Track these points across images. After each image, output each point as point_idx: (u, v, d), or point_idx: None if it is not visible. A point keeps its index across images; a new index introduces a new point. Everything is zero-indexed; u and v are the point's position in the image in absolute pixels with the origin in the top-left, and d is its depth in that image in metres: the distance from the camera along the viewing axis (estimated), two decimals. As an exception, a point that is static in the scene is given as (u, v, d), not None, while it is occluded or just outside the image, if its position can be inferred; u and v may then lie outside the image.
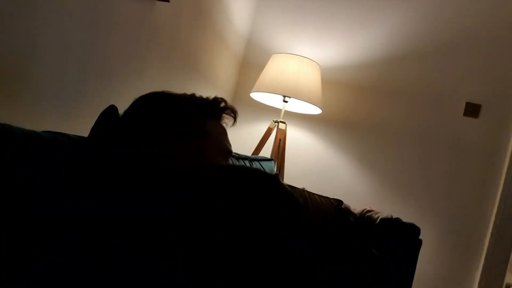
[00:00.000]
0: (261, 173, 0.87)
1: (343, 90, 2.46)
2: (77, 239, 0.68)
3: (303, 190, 1.74)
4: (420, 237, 1.57)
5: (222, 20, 2.18)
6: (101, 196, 0.75)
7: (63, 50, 1.16)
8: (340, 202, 1.76)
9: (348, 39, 2.46)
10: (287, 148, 2.30)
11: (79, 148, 0.82)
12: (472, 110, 2.25)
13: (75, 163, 0.79)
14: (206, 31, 2.03)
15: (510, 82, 2.23)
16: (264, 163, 1.87)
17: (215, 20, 2.10)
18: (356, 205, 1.81)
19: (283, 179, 2.18)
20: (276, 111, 2.36)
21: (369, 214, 1.74)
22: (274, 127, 2.24)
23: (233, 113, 1.01)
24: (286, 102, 2.21)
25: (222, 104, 0.99)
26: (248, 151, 2.24)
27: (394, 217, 1.67)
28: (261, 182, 0.80)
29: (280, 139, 2.20)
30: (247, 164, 1.74)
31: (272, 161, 1.98)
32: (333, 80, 2.46)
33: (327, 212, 1.63)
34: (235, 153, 1.70)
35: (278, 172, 1.70)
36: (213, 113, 0.97)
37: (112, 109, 0.89)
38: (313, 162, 2.46)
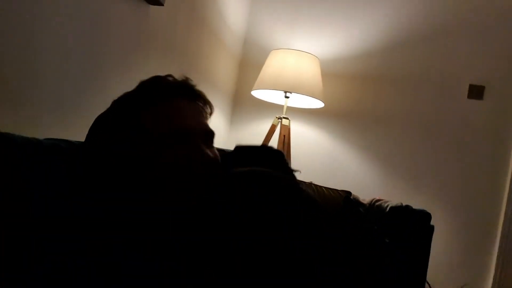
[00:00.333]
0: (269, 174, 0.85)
1: (344, 81, 2.45)
2: (77, 239, 0.68)
3: (310, 184, 1.74)
4: (433, 223, 1.57)
5: (217, 20, 2.18)
6: (101, 196, 0.75)
7: (56, 58, 1.16)
8: (349, 193, 1.75)
9: (346, 30, 2.45)
10: (292, 144, 2.30)
11: (80, 149, 0.82)
12: (476, 92, 2.23)
13: (76, 163, 0.79)
14: (202, 33, 2.03)
15: (513, 61, 2.22)
16: (270, 160, 1.87)
17: (210, 21, 2.10)
18: (365, 196, 1.80)
19: (290, 175, 2.17)
20: (279, 107, 2.35)
21: (378, 203, 1.73)
22: (278, 123, 2.24)
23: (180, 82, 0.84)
24: (288, 97, 2.20)
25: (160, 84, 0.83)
26: (252, 151, 2.24)
27: (404, 204, 1.66)
28: (265, 181, 0.80)
29: (284, 135, 2.19)
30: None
31: (278, 158, 1.98)
32: (333, 73, 2.45)
33: (336, 204, 1.62)
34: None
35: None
36: (152, 100, 0.80)
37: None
38: (319, 156, 2.45)
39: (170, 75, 0.85)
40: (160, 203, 0.74)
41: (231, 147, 2.27)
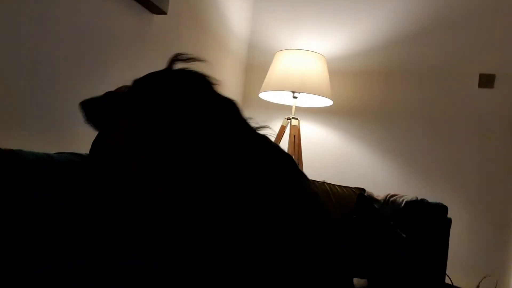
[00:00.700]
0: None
1: (352, 78, 2.43)
2: (77, 239, 0.69)
3: (323, 183, 1.73)
4: (451, 216, 1.54)
5: (221, 26, 2.18)
6: (101, 196, 0.75)
7: (60, 69, 1.18)
8: (363, 190, 1.74)
9: (351, 27, 2.43)
10: (303, 143, 2.29)
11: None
12: (487, 80, 2.18)
13: (78, 164, 0.80)
14: (206, 39, 2.04)
15: (523, 48, 2.16)
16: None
17: (214, 27, 2.11)
18: (379, 192, 1.78)
19: (301, 176, 2.16)
20: (287, 108, 2.35)
21: (393, 198, 1.72)
22: (287, 124, 2.23)
23: None
24: (296, 98, 2.20)
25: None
26: (263, 152, 2.25)
27: (419, 198, 1.64)
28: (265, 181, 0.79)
29: (294, 136, 2.19)
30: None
31: (289, 158, 1.98)
32: (340, 70, 2.43)
33: (350, 202, 1.61)
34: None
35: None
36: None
37: None
38: (331, 155, 2.43)
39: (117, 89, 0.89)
40: (160, 203, 0.74)
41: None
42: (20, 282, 0.60)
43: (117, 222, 0.72)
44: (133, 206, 0.73)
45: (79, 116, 0.86)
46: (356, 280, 1.21)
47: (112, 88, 1.42)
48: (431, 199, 1.60)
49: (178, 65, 0.88)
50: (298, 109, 2.32)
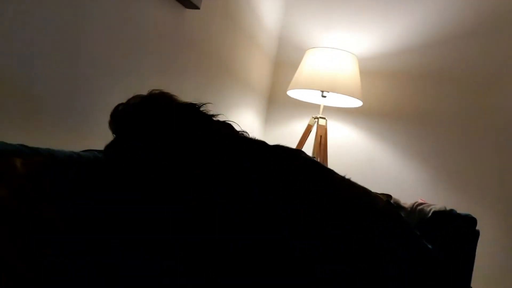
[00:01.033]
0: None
1: (383, 79, 2.34)
2: (77, 239, 0.70)
3: None
4: (479, 228, 1.49)
5: (252, 21, 2.17)
6: (101, 196, 0.76)
7: (93, 60, 1.20)
8: (389, 197, 1.71)
9: (384, 26, 2.33)
10: (329, 144, 2.26)
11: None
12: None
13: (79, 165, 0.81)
14: (237, 34, 2.03)
15: None
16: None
17: (245, 23, 2.10)
18: (406, 199, 1.73)
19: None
20: (315, 107, 2.29)
21: (420, 207, 1.68)
22: (314, 123, 2.20)
23: None
24: (325, 97, 2.16)
25: None
26: (288, 151, 2.24)
27: (448, 208, 1.59)
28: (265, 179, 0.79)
29: (321, 136, 2.15)
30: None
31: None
32: (372, 70, 2.35)
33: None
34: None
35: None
36: None
37: None
38: (358, 157, 2.35)
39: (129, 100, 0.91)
40: (160, 203, 0.74)
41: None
42: (20, 282, 0.61)
43: (117, 222, 0.72)
44: (133, 206, 0.74)
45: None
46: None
47: (145, 81, 1.45)
48: (460, 210, 1.54)
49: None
50: (326, 108, 2.28)
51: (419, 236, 0.84)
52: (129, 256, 0.71)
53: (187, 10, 1.60)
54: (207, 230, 0.73)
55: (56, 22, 1.05)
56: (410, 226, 1.01)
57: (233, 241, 0.73)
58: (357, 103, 2.17)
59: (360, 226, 0.76)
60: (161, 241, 0.72)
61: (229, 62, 2.02)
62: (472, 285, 1.46)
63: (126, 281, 0.69)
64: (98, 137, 1.09)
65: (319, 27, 2.46)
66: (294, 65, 2.28)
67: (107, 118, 0.89)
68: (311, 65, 2.10)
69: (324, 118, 2.18)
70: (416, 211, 1.65)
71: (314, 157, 1.97)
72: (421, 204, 1.68)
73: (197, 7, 1.58)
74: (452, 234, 1.52)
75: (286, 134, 2.49)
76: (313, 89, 2.09)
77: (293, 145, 2.24)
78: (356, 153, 2.37)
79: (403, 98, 2.30)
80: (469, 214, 1.54)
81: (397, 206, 1.71)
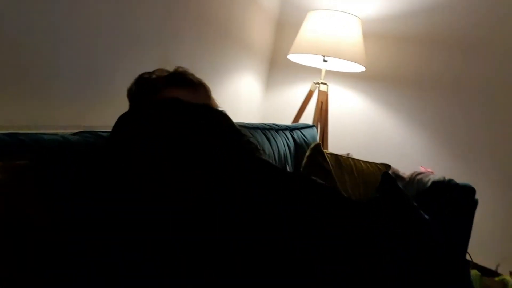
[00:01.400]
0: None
1: (388, 43, 2.27)
2: (77, 239, 0.70)
3: (347, 157, 1.70)
4: (477, 196, 1.51)
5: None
6: (101, 196, 0.76)
7: (93, 27, 1.26)
8: (388, 167, 1.70)
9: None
10: (330, 111, 2.23)
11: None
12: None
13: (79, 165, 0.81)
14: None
15: None
16: (305, 131, 1.84)
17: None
18: (407, 166, 1.74)
19: (327, 146, 2.12)
20: (316, 71, 2.23)
21: (419, 177, 1.69)
22: (315, 89, 2.16)
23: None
24: (326, 61, 2.11)
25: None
26: (289, 118, 2.21)
27: (447, 178, 1.60)
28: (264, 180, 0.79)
29: (322, 102, 2.12)
30: (288, 135, 1.70)
31: (314, 128, 1.94)
32: (376, 34, 2.27)
33: (374, 180, 1.60)
34: (274, 124, 1.68)
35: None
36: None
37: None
38: (359, 125, 2.32)
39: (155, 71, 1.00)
40: (160, 203, 0.74)
41: (266, 111, 2.31)
42: (20, 282, 0.61)
43: (117, 222, 0.72)
44: (133, 206, 0.73)
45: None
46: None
47: (140, 51, 1.44)
48: (460, 180, 1.54)
49: None
50: (328, 72, 2.23)
51: (418, 236, 0.85)
52: (129, 256, 0.70)
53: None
54: (207, 230, 0.73)
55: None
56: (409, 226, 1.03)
57: (233, 241, 0.72)
58: (359, 68, 2.11)
59: (360, 226, 0.76)
60: (161, 241, 0.71)
61: (227, 23, 1.95)
62: (469, 249, 1.50)
63: (126, 281, 0.69)
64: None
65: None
66: (296, 27, 2.19)
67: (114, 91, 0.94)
68: (313, 29, 2.02)
69: (325, 84, 2.14)
70: (415, 181, 1.65)
71: (314, 125, 1.96)
72: (420, 174, 1.68)
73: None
74: (451, 204, 1.53)
75: (287, 98, 2.45)
76: (314, 54, 2.03)
77: (293, 111, 2.21)
78: (357, 120, 2.33)
79: (409, 63, 2.23)
80: (468, 184, 1.55)
81: (396, 176, 1.72)
